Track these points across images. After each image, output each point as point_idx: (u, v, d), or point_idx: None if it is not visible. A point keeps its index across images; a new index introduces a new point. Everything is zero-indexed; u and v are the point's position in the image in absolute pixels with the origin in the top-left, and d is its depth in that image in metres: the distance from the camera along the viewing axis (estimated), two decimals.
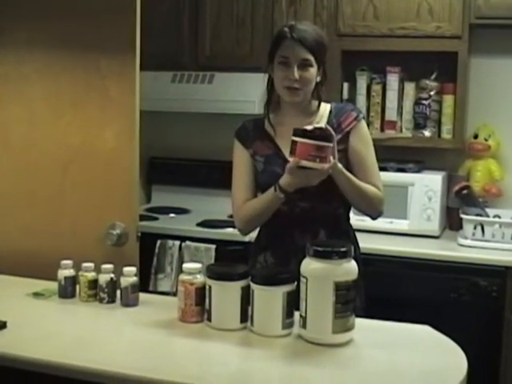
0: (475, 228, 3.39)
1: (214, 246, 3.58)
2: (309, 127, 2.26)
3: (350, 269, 2.06)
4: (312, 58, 2.42)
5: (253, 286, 2.12)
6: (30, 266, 2.72)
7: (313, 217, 2.47)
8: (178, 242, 3.65)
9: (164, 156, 4.33)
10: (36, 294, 2.48)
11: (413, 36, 3.55)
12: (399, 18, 3.57)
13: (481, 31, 3.62)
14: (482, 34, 3.65)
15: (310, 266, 2.05)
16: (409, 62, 3.70)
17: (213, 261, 3.52)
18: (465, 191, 3.56)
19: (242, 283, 2.15)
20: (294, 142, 2.24)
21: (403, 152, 3.73)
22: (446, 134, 3.64)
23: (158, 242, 3.68)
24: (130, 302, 2.38)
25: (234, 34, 3.85)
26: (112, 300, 2.42)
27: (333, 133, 2.28)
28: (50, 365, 1.94)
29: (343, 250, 2.05)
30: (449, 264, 3.26)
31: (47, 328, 2.21)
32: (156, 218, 3.94)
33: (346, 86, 3.80)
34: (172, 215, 4.06)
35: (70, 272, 2.47)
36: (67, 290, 2.46)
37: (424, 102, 3.66)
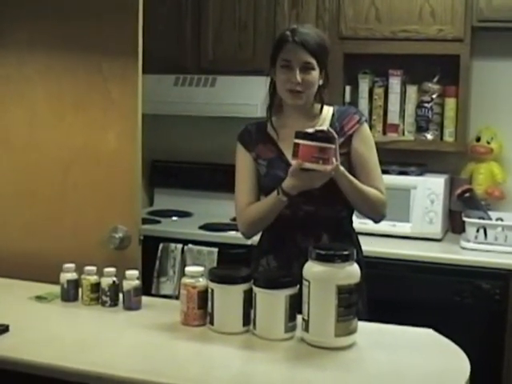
0: (478, 231, 3.39)
1: (216, 250, 3.57)
2: (310, 130, 2.26)
3: (352, 272, 2.05)
4: (314, 61, 2.42)
5: (255, 289, 2.12)
6: (32, 269, 2.72)
7: (316, 220, 2.47)
8: (180, 246, 3.65)
9: (166, 159, 4.33)
10: (38, 298, 2.48)
11: (415, 39, 3.55)
12: (401, 21, 3.56)
13: (483, 34, 3.62)
14: (484, 36, 3.64)
15: (312, 269, 2.05)
16: (411, 65, 3.70)
17: (215, 264, 3.51)
18: (467, 194, 3.55)
19: (244, 286, 2.14)
20: (296, 145, 2.24)
21: (405, 155, 3.72)
22: (449, 136, 3.63)
23: (161, 246, 3.68)
24: (132, 306, 2.38)
25: (237, 38, 3.85)
26: (114, 303, 2.41)
27: (335, 135, 2.28)
28: (52, 368, 1.94)
29: (346, 253, 2.05)
30: (451, 267, 3.25)
31: (50, 331, 2.21)
32: (158, 221, 3.94)
33: (348, 89, 3.80)
34: (174, 218, 4.06)
35: (73, 275, 2.47)
36: (70, 294, 2.46)
37: (426, 104, 3.66)
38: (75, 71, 2.76)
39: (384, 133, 3.75)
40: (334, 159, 2.25)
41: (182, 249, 3.64)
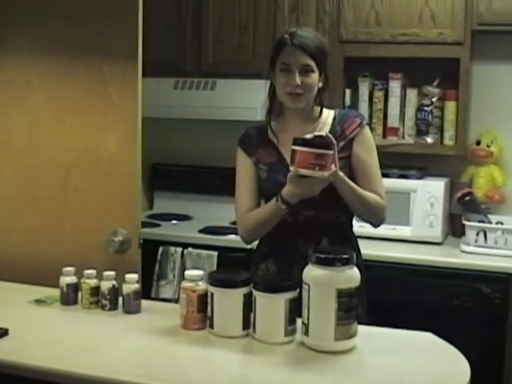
0: (478, 234, 3.39)
1: (216, 253, 3.57)
2: (308, 136, 2.26)
3: (352, 276, 2.05)
4: (313, 64, 2.42)
5: (255, 292, 2.12)
6: (31, 272, 2.72)
7: (316, 224, 2.46)
8: (180, 249, 3.65)
9: (166, 162, 4.33)
10: (38, 301, 2.48)
11: (415, 42, 3.55)
12: (401, 25, 3.57)
13: (483, 37, 3.62)
14: (484, 40, 3.65)
15: (312, 272, 2.05)
16: (411, 69, 3.70)
17: (215, 268, 3.51)
18: (467, 197, 3.55)
19: (244, 290, 2.14)
20: (293, 151, 2.23)
21: (405, 158, 3.72)
22: (449, 140, 3.63)
23: (160, 249, 3.67)
24: (132, 309, 2.38)
25: (237, 40, 3.85)
26: (114, 307, 2.41)
27: (333, 141, 2.27)
28: (52, 372, 1.94)
29: (346, 256, 2.05)
30: (451, 271, 3.25)
31: (49, 335, 2.20)
32: (158, 225, 3.94)
33: (348, 92, 3.80)
34: (174, 222, 4.05)
35: (72, 279, 2.47)
36: (69, 297, 2.46)
37: (426, 108, 3.66)
38: (76, 75, 2.77)
39: (384, 136, 3.75)
40: (332, 165, 2.23)
41: (182, 252, 3.64)
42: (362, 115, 2.67)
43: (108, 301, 2.40)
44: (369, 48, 3.64)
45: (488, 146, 3.71)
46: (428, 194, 3.53)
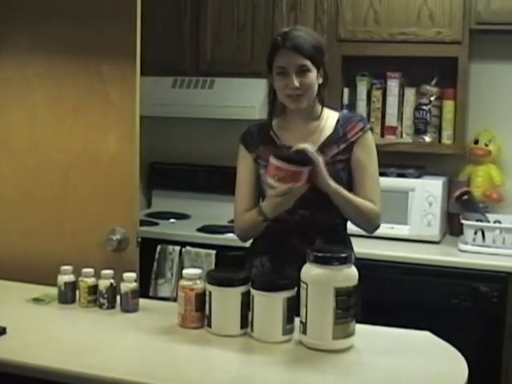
0: (476, 233, 3.39)
1: (214, 252, 3.57)
2: (294, 148, 2.29)
3: (350, 274, 2.05)
4: (309, 63, 2.40)
5: (253, 291, 2.12)
6: (30, 271, 2.72)
7: (311, 225, 2.46)
8: (178, 248, 3.65)
9: (164, 161, 4.33)
10: (36, 300, 2.48)
11: (413, 41, 3.55)
12: (400, 24, 3.57)
13: (481, 37, 3.62)
14: (483, 39, 3.65)
15: (310, 271, 2.05)
16: (409, 68, 3.70)
17: (213, 266, 3.51)
18: (465, 196, 3.56)
19: (242, 289, 2.14)
20: (270, 163, 2.27)
21: (404, 157, 3.73)
22: (447, 139, 3.63)
23: (159, 248, 3.67)
24: (129, 308, 2.38)
25: (235, 39, 3.85)
26: (112, 306, 2.41)
27: (314, 156, 2.28)
28: (49, 371, 1.94)
29: (344, 255, 2.05)
30: (449, 269, 3.25)
31: (47, 334, 2.20)
32: (156, 224, 3.93)
33: (346, 91, 3.80)
34: (172, 220, 4.05)
35: (70, 277, 2.46)
36: (67, 296, 2.46)
37: (424, 107, 3.66)
38: (75, 74, 2.77)
39: (382, 135, 3.75)
40: (303, 178, 2.25)
41: (180, 251, 3.64)
42: (366, 120, 2.65)
43: (106, 299, 2.40)
44: (367, 47, 3.64)
45: (486, 145, 3.72)
46: (426, 193, 3.53)
